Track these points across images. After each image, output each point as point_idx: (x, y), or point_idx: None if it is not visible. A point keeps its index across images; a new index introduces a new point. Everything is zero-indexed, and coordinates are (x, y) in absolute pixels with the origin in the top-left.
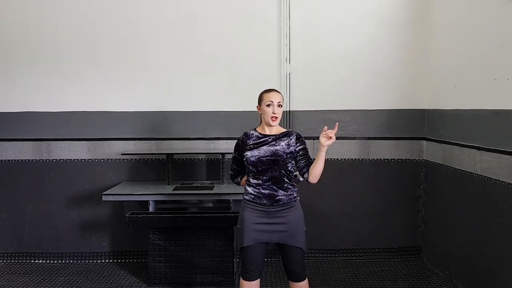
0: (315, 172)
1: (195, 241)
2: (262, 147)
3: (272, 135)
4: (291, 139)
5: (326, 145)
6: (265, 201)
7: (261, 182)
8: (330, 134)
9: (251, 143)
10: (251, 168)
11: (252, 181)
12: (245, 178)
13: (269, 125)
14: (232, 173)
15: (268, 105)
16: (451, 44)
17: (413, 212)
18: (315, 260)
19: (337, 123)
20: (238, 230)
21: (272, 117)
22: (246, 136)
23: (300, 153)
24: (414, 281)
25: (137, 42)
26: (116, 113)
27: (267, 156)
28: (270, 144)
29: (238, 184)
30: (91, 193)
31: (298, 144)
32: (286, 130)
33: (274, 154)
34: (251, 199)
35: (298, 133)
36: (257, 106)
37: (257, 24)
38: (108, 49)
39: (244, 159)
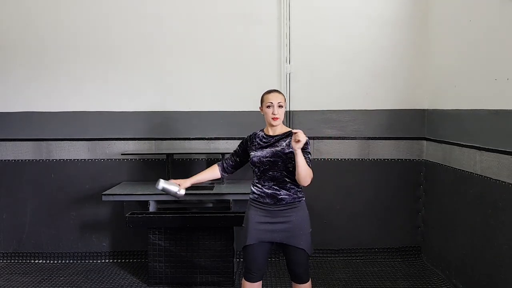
0: (298, 177)
1: (195, 241)
2: (266, 149)
3: (275, 136)
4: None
5: (297, 148)
6: (268, 200)
7: (263, 182)
8: (297, 138)
9: (256, 143)
10: (253, 168)
11: (255, 181)
12: (216, 167)
13: (272, 126)
14: (223, 162)
15: (268, 107)
16: (451, 44)
17: (413, 212)
18: (315, 260)
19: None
20: (242, 229)
21: (273, 118)
22: (254, 135)
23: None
24: (414, 281)
25: (137, 42)
26: (116, 113)
27: (267, 157)
28: (273, 145)
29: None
30: (91, 193)
31: None
32: (289, 129)
33: (274, 155)
34: (255, 198)
35: None
36: (259, 108)
37: (257, 24)
38: (108, 49)
39: (249, 158)
